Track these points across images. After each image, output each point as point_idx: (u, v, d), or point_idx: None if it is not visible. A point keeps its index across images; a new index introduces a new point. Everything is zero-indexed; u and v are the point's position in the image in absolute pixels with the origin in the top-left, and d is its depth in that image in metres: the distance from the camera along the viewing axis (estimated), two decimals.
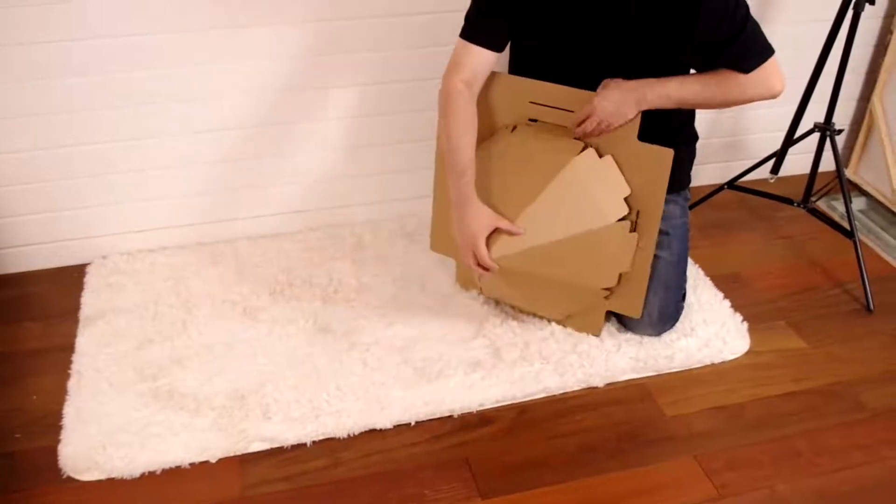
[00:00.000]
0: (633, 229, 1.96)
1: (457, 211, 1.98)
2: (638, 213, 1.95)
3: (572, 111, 1.94)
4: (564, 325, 2.16)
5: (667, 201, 2.00)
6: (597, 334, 2.13)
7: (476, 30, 1.94)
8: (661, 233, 2.03)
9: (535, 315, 2.18)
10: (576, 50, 1.92)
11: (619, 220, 1.95)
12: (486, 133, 2.05)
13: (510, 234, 1.93)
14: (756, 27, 1.81)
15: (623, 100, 1.86)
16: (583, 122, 1.91)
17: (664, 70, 1.87)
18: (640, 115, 1.88)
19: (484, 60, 1.96)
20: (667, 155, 1.87)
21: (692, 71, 1.91)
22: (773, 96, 1.88)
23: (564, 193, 1.93)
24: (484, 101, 2.03)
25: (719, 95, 1.87)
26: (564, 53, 1.94)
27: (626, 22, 1.83)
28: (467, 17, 1.96)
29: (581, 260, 1.97)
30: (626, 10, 1.81)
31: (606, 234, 1.95)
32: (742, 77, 1.84)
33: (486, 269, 1.97)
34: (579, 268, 1.98)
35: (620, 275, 2.00)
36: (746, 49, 1.82)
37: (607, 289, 2.02)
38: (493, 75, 2.01)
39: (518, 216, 1.93)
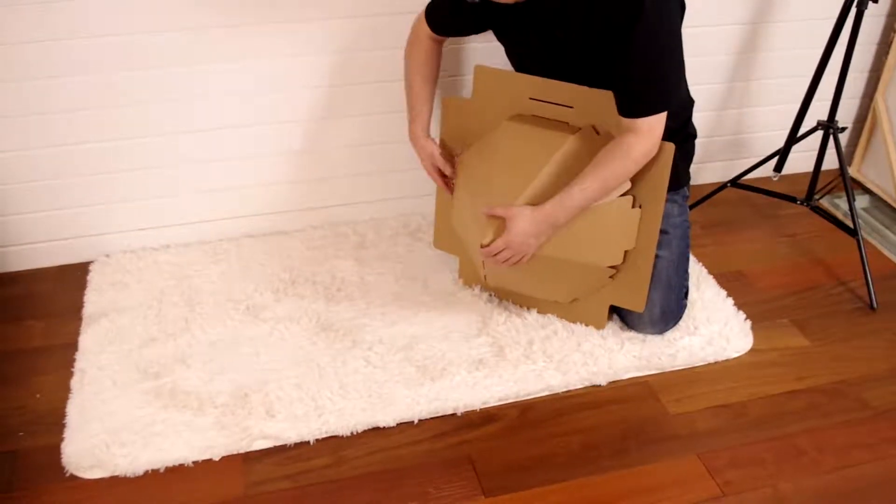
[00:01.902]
0: (636, 205, 1.96)
1: (413, 141, 2.13)
2: (640, 206, 1.96)
3: (571, 107, 1.95)
4: (569, 319, 2.16)
5: (665, 200, 2.00)
6: (601, 327, 2.13)
7: (433, 16, 2.04)
8: (661, 231, 2.03)
9: (538, 307, 2.19)
10: (531, 57, 1.98)
11: (621, 195, 1.95)
12: (486, 127, 2.07)
13: (444, 170, 2.09)
14: (673, 74, 1.83)
15: (538, 231, 1.91)
16: (498, 252, 1.94)
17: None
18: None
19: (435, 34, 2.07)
20: (668, 148, 1.88)
21: None
22: (649, 153, 1.85)
23: (563, 171, 1.92)
24: (482, 96, 2.06)
25: (616, 169, 1.85)
26: (525, 57, 2.01)
27: (565, 47, 1.87)
28: None
29: (585, 237, 1.97)
30: (566, 36, 1.85)
31: (608, 211, 1.94)
32: (622, 142, 1.83)
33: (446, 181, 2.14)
34: (583, 245, 1.98)
35: (626, 253, 2.00)
36: (648, 88, 1.80)
37: (613, 268, 2.02)
38: (491, 72, 2.03)
39: (519, 197, 1.92)
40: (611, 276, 2.05)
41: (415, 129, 2.12)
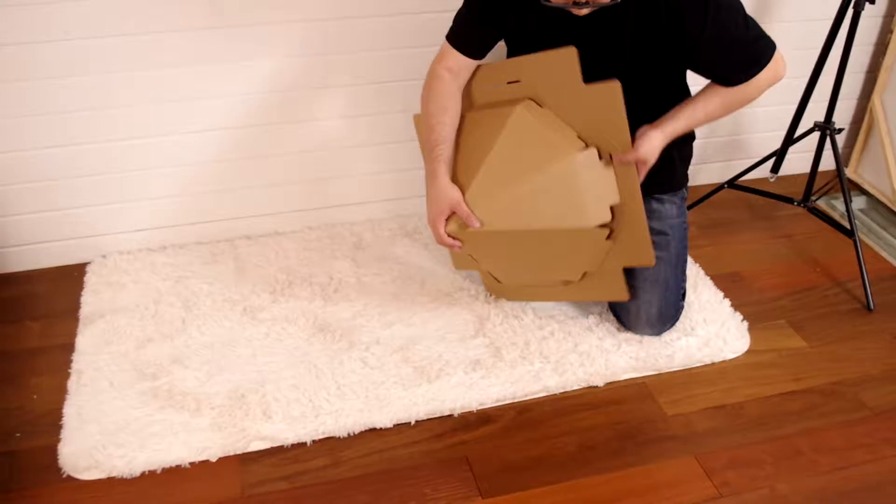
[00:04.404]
0: (610, 237, 1.96)
1: (426, 187, 1.99)
2: (610, 156, 1.91)
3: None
4: (593, 298, 2.17)
5: (664, 201, 2.00)
6: (625, 299, 2.09)
7: (458, 36, 1.99)
8: (660, 233, 2.03)
9: (559, 296, 2.16)
10: None
11: (600, 226, 1.93)
12: (490, 96, 2.04)
13: (468, 223, 1.92)
14: (755, 30, 1.81)
15: (657, 146, 1.89)
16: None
17: (665, 86, 1.90)
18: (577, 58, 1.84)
19: (463, 61, 2.00)
20: (612, 86, 1.82)
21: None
22: (779, 80, 1.90)
23: (554, 185, 1.91)
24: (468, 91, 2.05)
25: (737, 99, 1.90)
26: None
27: (622, 49, 1.84)
28: (455, 18, 1.99)
29: (561, 203, 1.93)
30: (622, 40, 1.82)
31: (582, 237, 1.94)
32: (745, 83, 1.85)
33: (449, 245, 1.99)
34: (563, 210, 1.93)
35: (614, 209, 1.96)
36: (749, 57, 1.83)
37: (605, 227, 1.95)
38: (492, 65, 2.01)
39: (502, 193, 1.91)
40: (608, 238, 1.98)
41: (437, 170, 1.94)
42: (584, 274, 2.04)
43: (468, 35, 1.98)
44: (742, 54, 1.83)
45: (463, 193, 1.93)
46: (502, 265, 2.11)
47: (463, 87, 2.03)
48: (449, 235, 1.96)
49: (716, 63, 1.86)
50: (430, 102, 2.01)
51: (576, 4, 1.69)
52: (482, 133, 1.97)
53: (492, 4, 1.92)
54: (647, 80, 1.89)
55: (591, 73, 1.89)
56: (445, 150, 1.96)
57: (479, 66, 2.00)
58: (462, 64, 2.00)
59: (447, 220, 1.95)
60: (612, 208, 1.94)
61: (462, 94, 2.04)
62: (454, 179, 1.96)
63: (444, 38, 2.00)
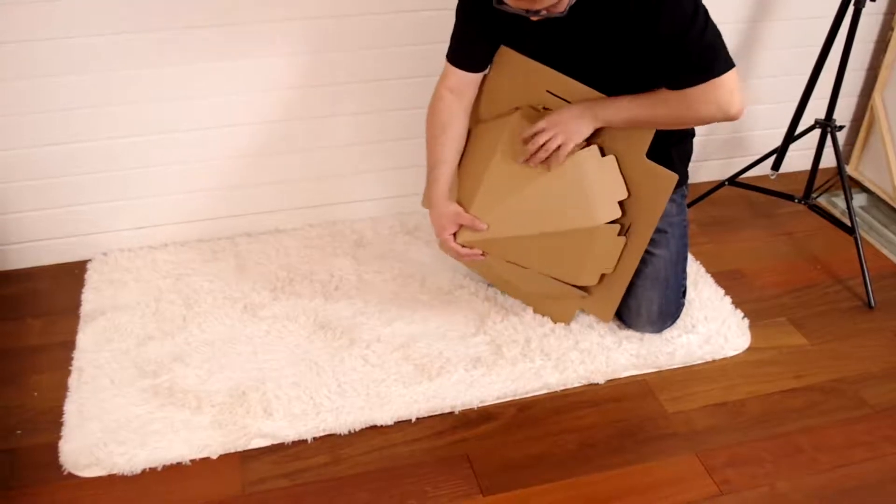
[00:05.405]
0: (622, 233, 1.95)
1: (430, 209, 2.03)
2: (629, 227, 1.95)
3: None
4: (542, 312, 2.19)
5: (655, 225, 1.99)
6: (566, 322, 2.15)
7: (455, 53, 2.00)
8: (660, 231, 2.03)
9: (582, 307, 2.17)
10: (545, 57, 1.93)
11: (610, 222, 1.94)
12: (493, 106, 2.04)
13: (474, 227, 1.95)
14: (716, 40, 1.75)
15: (575, 114, 1.87)
16: (532, 137, 1.90)
17: (641, 83, 1.86)
18: (654, 130, 1.85)
19: (466, 77, 2.01)
20: (670, 179, 1.87)
21: None
22: (728, 117, 1.79)
23: (559, 186, 1.91)
24: (500, 76, 2.01)
25: (671, 113, 1.82)
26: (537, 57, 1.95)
27: (594, 41, 1.83)
28: (451, 37, 2.00)
29: (564, 255, 1.96)
30: (594, 31, 1.81)
31: (594, 235, 1.94)
32: (690, 93, 1.77)
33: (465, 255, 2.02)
34: (560, 263, 1.97)
35: (602, 275, 2.00)
36: (698, 61, 1.74)
37: (615, 222, 1.96)
38: (514, 55, 1.97)
39: (508, 199, 1.92)
40: (620, 234, 1.97)
41: (433, 193, 2.00)
42: (602, 277, 2.03)
43: (464, 49, 1.99)
44: (688, 58, 1.74)
45: (470, 205, 1.95)
46: (518, 273, 2.09)
47: (470, 105, 2.04)
48: (463, 246, 1.99)
49: (662, 61, 1.78)
50: (431, 125, 2.03)
51: (528, 13, 1.69)
52: (485, 144, 1.98)
53: (478, 12, 1.91)
54: (630, 86, 1.86)
55: (578, 74, 1.91)
56: (442, 171, 2.00)
57: (548, 69, 1.93)
58: (464, 80, 2.01)
59: (456, 234, 1.99)
60: (620, 203, 1.95)
61: (512, 82, 2.01)
62: (461, 193, 1.98)
63: (443, 36, 2.00)
